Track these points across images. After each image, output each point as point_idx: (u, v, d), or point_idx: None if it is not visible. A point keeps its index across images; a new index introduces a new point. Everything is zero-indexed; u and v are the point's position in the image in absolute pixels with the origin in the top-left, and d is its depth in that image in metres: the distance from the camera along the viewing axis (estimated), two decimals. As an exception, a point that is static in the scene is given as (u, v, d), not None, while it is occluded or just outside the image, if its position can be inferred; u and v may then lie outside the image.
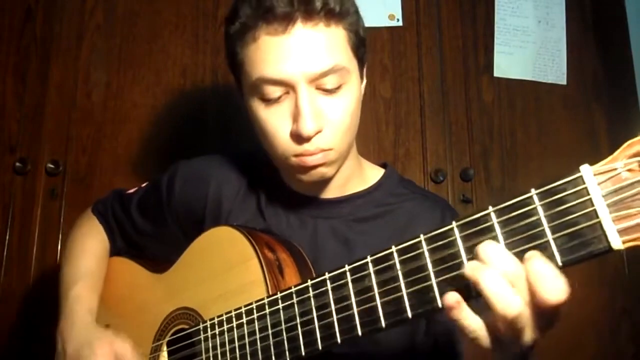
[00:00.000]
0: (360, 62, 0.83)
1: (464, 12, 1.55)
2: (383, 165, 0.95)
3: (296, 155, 0.78)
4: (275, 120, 0.77)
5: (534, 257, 0.48)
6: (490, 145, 1.49)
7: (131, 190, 1.04)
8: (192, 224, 0.93)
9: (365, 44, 0.84)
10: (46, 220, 1.37)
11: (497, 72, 1.52)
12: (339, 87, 0.77)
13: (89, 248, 1.01)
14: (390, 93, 1.49)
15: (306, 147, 0.76)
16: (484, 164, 1.48)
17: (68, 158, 1.41)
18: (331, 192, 0.88)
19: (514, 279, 0.49)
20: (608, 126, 1.51)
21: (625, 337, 1.41)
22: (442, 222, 0.83)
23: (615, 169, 0.47)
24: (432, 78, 1.50)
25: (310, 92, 0.75)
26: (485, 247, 0.50)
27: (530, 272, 0.48)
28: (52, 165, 1.39)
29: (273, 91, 0.76)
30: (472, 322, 0.51)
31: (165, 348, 0.87)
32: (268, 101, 0.77)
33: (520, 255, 0.49)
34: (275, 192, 0.91)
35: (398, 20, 1.51)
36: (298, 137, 0.76)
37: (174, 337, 0.86)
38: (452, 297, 0.51)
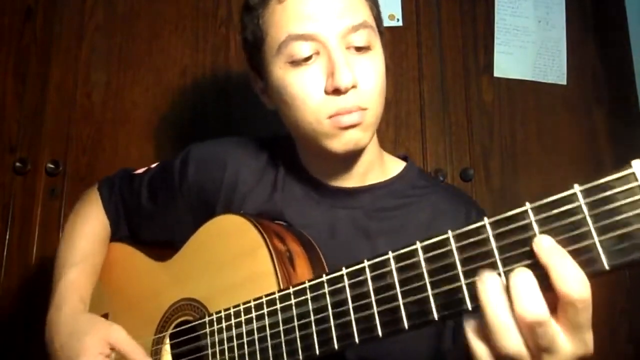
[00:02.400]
0: (381, 35, 0.82)
1: (464, 12, 1.55)
2: (404, 158, 0.94)
3: (331, 117, 0.74)
4: (307, 80, 0.75)
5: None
6: (490, 145, 1.49)
7: (140, 170, 1.00)
8: (203, 209, 0.89)
9: (382, 21, 0.84)
10: (46, 220, 1.37)
11: (497, 72, 1.52)
12: (368, 47, 0.76)
13: (89, 230, 0.96)
14: (390, 93, 1.48)
15: (342, 103, 0.74)
16: (484, 164, 1.48)
17: (68, 158, 1.41)
18: (352, 181, 0.85)
19: (538, 324, 0.45)
20: (608, 126, 1.51)
21: (625, 338, 1.41)
22: (467, 218, 0.84)
23: None
24: (432, 78, 1.50)
25: (342, 48, 0.74)
26: (516, 281, 0.45)
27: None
28: (52, 165, 1.39)
29: (303, 49, 0.74)
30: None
31: (167, 341, 0.84)
32: (297, 63, 0.75)
33: (570, 251, 0.45)
34: (294, 178, 0.88)
35: (398, 20, 1.51)
36: (334, 92, 0.73)
37: (177, 329, 0.82)
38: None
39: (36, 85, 1.43)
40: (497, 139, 1.50)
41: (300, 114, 0.77)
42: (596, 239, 0.44)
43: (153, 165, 1.00)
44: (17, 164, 1.38)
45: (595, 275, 0.45)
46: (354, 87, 0.74)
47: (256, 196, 0.88)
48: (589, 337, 0.46)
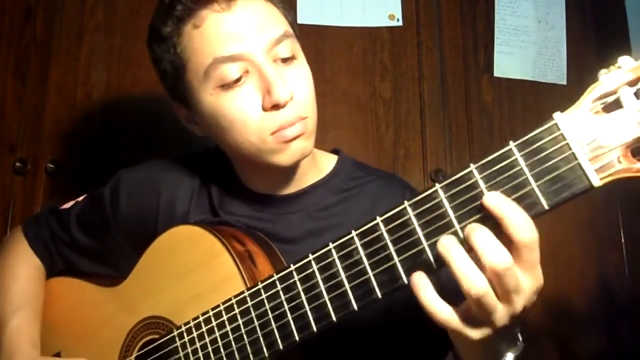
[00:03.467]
0: (298, 41, 0.80)
1: (464, 12, 1.55)
2: (334, 152, 0.93)
3: (274, 132, 0.74)
4: (243, 101, 0.73)
5: (505, 202, 0.51)
6: (490, 145, 1.49)
7: (66, 205, 0.96)
8: (144, 236, 0.86)
9: (297, 24, 0.83)
10: (46, 220, 1.37)
11: (497, 72, 1.52)
12: (293, 57, 0.76)
13: (21, 273, 0.92)
14: (390, 93, 1.49)
15: (283, 116, 0.73)
16: (484, 164, 1.48)
17: (68, 158, 1.41)
18: (290, 187, 0.85)
19: (504, 271, 0.50)
20: (608, 126, 1.51)
21: (625, 337, 1.41)
22: (403, 199, 0.85)
23: (583, 114, 0.52)
24: (432, 78, 1.50)
25: (270, 63, 0.73)
26: (475, 235, 0.51)
27: (504, 218, 0.50)
28: (52, 165, 1.39)
29: (232, 71, 0.72)
30: (437, 305, 0.54)
31: None
32: (228, 86, 0.73)
33: (513, 199, 0.51)
34: (231, 193, 0.87)
35: (398, 20, 1.51)
36: (273, 107, 0.72)
37: (143, 350, 0.79)
38: (416, 278, 0.54)
39: (36, 85, 1.43)
40: (497, 139, 1.50)
41: (241, 136, 0.75)
42: (534, 184, 0.51)
43: (80, 199, 0.97)
44: (17, 164, 1.38)
45: (538, 215, 0.51)
46: (291, 98, 0.73)
47: (197, 214, 0.87)
48: (539, 271, 0.53)
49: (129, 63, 1.46)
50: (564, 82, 1.53)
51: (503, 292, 0.51)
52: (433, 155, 1.46)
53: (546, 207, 0.50)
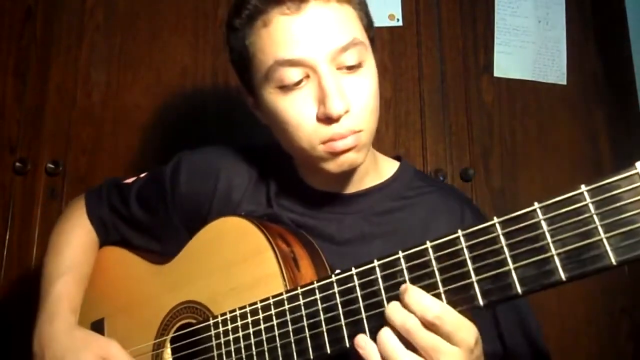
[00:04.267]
0: (372, 43, 0.80)
1: (464, 12, 1.55)
2: (397, 158, 0.93)
3: (324, 142, 0.73)
4: (298, 107, 0.73)
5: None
6: (490, 145, 1.49)
7: (129, 180, 0.98)
8: (197, 218, 0.88)
9: (373, 27, 0.81)
10: (46, 220, 1.37)
11: (497, 72, 1.52)
12: (359, 65, 0.74)
13: (76, 239, 0.94)
14: (390, 93, 1.49)
15: (336, 129, 0.72)
16: (484, 164, 1.48)
17: (68, 158, 1.41)
18: (349, 187, 0.85)
19: (435, 319, 0.54)
20: (608, 126, 1.51)
21: (625, 337, 1.41)
22: (462, 217, 0.85)
23: None
24: (432, 78, 1.50)
25: (333, 72, 0.72)
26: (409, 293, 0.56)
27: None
28: (52, 165, 1.39)
29: (292, 75, 0.72)
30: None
31: (169, 344, 0.83)
32: (287, 88, 0.73)
33: (571, 253, 0.49)
34: (290, 186, 0.87)
35: (398, 20, 1.51)
36: (326, 120, 0.72)
37: (179, 332, 0.81)
38: (360, 340, 0.59)
39: (36, 85, 1.43)
40: (497, 139, 1.50)
41: (293, 139, 0.76)
42: (603, 236, 0.46)
43: (142, 175, 0.99)
44: (17, 164, 1.38)
45: (603, 270, 0.47)
46: (346, 111, 0.72)
47: (251, 204, 0.87)
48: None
49: (129, 63, 1.46)
50: (564, 82, 1.53)
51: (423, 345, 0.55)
52: (433, 155, 1.46)
53: (614, 263, 0.46)
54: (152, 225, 0.95)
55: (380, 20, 1.50)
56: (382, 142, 1.46)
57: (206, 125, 1.43)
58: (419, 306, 0.55)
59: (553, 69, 1.54)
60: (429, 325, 0.54)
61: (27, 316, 1.31)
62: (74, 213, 0.98)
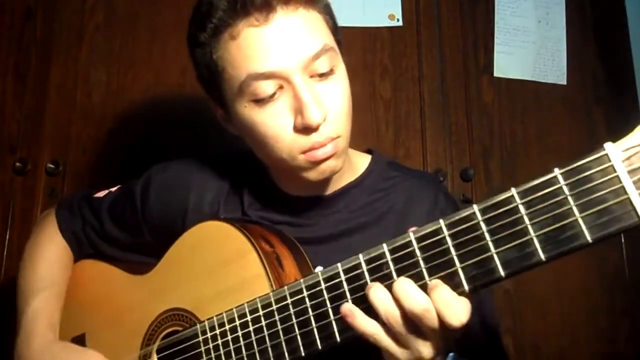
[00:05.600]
0: (340, 45, 0.79)
1: (464, 12, 1.55)
2: (368, 151, 0.93)
3: (304, 152, 0.73)
4: (275, 119, 0.72)
5: (438, 286, 0.54)
6: (490, 145, 1.49)
7: (99, 194, 0.97)
8: (170, 233, 0.86)
9: (338, 28, 0.80)
10: (46, 220, 1.37)
11: (497, 72, 1.52)
12: (331, 72, 0.73)
13: (50, 255, 0.93)
14: (390, 93, 1.49)
15: (315, 138, 0.72)
16: (484, 164, 1.48)
17: (68, 158, 1.41)
18: (326, 189, 0.85)
19: (424, 312, 0.54)
20: (608, 126, 1.51)
21: (625, 337, 1.41)
22: (435, 201, 0.86)
23: (638, 145, 0.49)
24: (432, 78, 1.50)
25: (306, 80, 0.71)
26: (398, 284, 0.56)
27: (435, 301, 0.54)
28: (52, 165, 1.39)
29: (266, 88, 0.70)
30: (369, 326, 0.58)
31: (155, 355, 0.82)
32: (262, 101, 0.71)
33: (549, 234, 0.50)
34: (264, 197, 0.87)
35: (398, 20, 1.51)
36: (305, 130, 0.71)
37: (165, 341, 0.80)
38: (346, 307, 0.59)
39: (36, 85, 1.43)
40: (497, 139, 1.50)
41: (272, 151, 0.75)
42: (578, 215, 0.49)
43: (113, 189, 0.98)
44: (17, 164, 1.38)
45: (580, 248, 0.49)
46: (324, 119, 0.72)
47: (226, 213, 0.86)
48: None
49: (129, 63, 1.46)
50: (564, 82, 1.53)
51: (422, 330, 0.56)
52: (433, 155, 1.46)
53: (590, 241, 0.48)
54: (126, 241, 0.94)
55: (380, 20, 1.50)
56: (382, 142, 1.46)
57: (206, 126, 1.43)
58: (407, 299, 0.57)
59: (553, 69, 1.54)
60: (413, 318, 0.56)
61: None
62: (47, 227, 0.97)
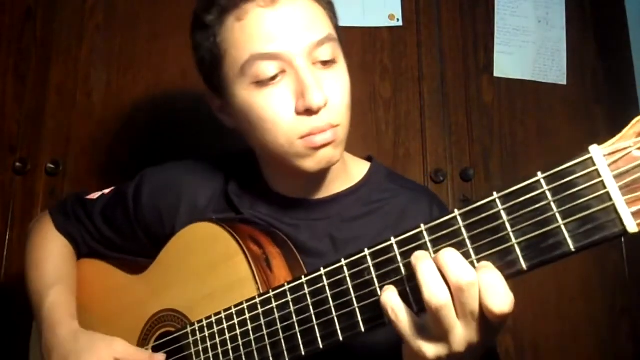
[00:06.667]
0: (341, 44, 0.79)
1: (464, 12, 1.55)
2: (368, 159, 0.91)
3: (303, 137, 0.72)
4: (275, 102, 0.71)
5: (487, 267, 0.49)
6: (490, 145, 1.49)
7: (92, 196, 0.98)
8: (162, 235, 0.87)
9: (340, 29, 0.81)
10: (46, 220, 1.37)
11: (497, 72, 1.52)
12: (333, 61, 0.74)
13: (53, 252, 0.94)
14: (390, 93, 1.49)
15: (315, 123, 0.71)
16: (484, 164, 1.48)
17: (68, 158, 1.41)
18: (317, 193, 0.84)
19: (467, 286, 0.49)
20: (608, 126, 1.51)
21: (625, 337, 1.41)
22: (430, 213, 0.85)
23: (626, 148, 0.43)
24: (432, 78, 1.50)
25: (309, 66, 0.71)
26: (444, 253, 0.50)
27: (480, 281, 0.49)
28: (52, 165, 1.39)
29: (268, 69, 0.70)
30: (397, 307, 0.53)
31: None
32: (263, 83, 0.71)
33: (531, 241, 0.47)
34: (256, 195, 0.86)
35: (398, 20, 1.51)
36: (306, 112, 0.71)
37: (160, 341, 0.81)
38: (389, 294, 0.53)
39: (36, 85, 1.43)
40: (497, 139, 1.50)
41: (270, 136, 0.74)
42: (561, 222, 0.46)
43: (106, 191, 0.98)
44: (17, 164, 1.38)
45: (562, 257, 0.47)
46: (325, 104, 0.72)
47: (219, 214, 0.86)
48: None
49: (129, 63, 1.46)
50: (564, 82, 1.53)
51: (462, 310, 0.50)
52: (433, 155, 1.46)
53: (572, 249, 0.46)
54: (120, 243, 0.95)
55: (380, 20, 1.50)
56: (382, 142, 1.46)
57: (206, 126, 1.43)
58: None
59: (553, 69, 1.54)
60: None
61: (28, 315, 1.31)
62: (44, 230, 0.97)
